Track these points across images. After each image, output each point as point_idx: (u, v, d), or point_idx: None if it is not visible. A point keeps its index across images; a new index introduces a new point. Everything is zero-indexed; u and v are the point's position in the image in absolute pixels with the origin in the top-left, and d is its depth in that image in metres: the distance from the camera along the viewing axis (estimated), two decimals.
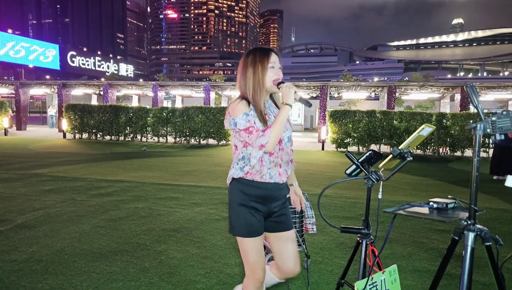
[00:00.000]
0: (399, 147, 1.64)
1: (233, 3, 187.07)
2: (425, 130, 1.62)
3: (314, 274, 2.76)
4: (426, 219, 1.92)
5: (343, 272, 1.89)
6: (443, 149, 12.95)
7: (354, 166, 1.72)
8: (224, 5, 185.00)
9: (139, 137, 15.64)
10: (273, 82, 1.71)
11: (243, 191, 1.70)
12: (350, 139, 13.24)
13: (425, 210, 1.59)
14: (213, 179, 6.66)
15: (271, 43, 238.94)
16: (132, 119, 15.25)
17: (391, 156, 1.67)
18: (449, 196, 1.67)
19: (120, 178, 6.50)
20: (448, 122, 12.47)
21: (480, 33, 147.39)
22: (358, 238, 1.77)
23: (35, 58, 62.35)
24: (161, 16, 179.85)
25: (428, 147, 12.76)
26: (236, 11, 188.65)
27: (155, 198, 5.07)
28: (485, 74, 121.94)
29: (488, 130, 1.37)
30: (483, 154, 12.00)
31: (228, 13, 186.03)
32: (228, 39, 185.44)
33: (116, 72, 77.04)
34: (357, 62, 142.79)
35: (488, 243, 1.39)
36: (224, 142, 14.57)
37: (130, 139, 15.60)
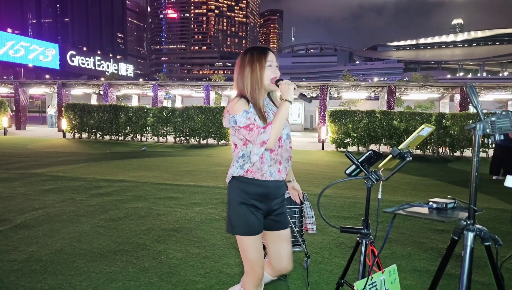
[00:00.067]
0: (399, 147, 1.65)
1: (233, 3, 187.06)
2: (425, 130, 1.62)
3: (313, 274, 2.76)
4: (426, 219, 1.92)
5: (343, 272, 1.89)
6: (442, 149, 12.96)
7: (354, 166, 1.72)
8: (224, 5, 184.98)
9: (139, 136, 15.64)
10: (271, 80, 1.72)
11: (243, 189, 1.70)
12: (350, 139, 13.24)
13: (424, 210, 1.59)
14: (213, 179, 6.66)
15: (271, 43, 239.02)
16: (132, 118, 15.24)
17: (390, 156, 1.67)
18: (448, 196, 1.67)
19: (119, 178, 6.49)
20: (447, 122, 12.48)
21: (480, 34, 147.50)
22: (358, 238, 1.78)
23: (35, 57, 62.31)
24: (161, 16, 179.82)
25: (428, 147, 12.77)
26: (236, 11, 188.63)
27: (155, 198, 5.07)
28: (484, 74, 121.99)
29: (488, 130, 1.38)
30: (482, 154, 12.01)
31: (228, 13, 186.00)
32: (228, 39, 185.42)
33: (116, 71, 77.01)
34: (357, 62, 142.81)
35: (487, 243, 1.40)
36: (224, 142, 14.57)
37: (130, 138, 15.59)
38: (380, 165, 1.75)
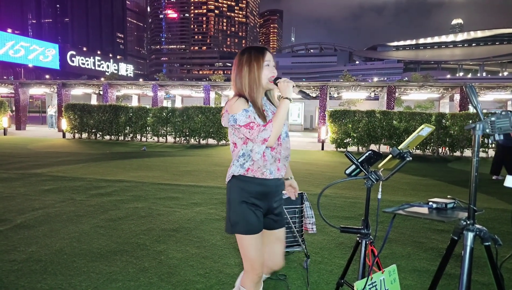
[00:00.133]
0: (399, 147, 1.65)
1: (233, 3, 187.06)
2: (425, 130, 1.62)
3: (313, 274, 2.76)
4: (426, 219, 1.93)
5: (343, 272, 1.89)
6: (442, 149, 12.96)
7: (353, 166, 1.72)
8: (224, 5, 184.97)
9: (138, 137, 15.63)
10: (269, 79, 1.73)
11: (244, 188, 1.70)
12: (350, 139, 13.25)
13: (424, 210, 1.59)
14: (213, 179, 6.66)
15: (271, 43, 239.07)
16: (132, 119, 15.24)
17: (390, 156, 1.67)
18: (448, 196, 1.67)
19: (119, 178, 6.49)
20: (447, 122, 12.49)
21: (480, 34, 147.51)
22: (358, 238, 1.78)
23: (35, 57, 62.30)
24: (161, 16, 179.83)
25: (428, 147, 12.77)
26: (236, 11, 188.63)
27: (155, 198, 5.07)
28: (484, 74, 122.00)
29: (487, 130, 1.38)
30: (482, 154, 12.01)
31: (228, 13, 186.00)
32: (228, 39, 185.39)
33: (115, 71, 77.01)
34: (357, 62, 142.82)
35: (487, 243, 1.40)
36: (223, 142, 14.57)
37: (129, 139, 15.59)
38: (380, 165, 1.76)
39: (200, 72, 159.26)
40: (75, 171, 7.21)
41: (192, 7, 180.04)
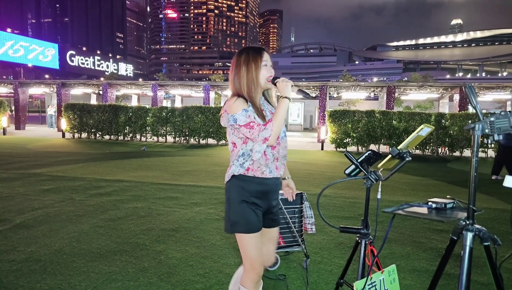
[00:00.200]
0: (398, 147, 1.65)
1: (232, 3, 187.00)
2: (424, 130, 1.62)
3: (313, 274, 2.76)
4: (425, 219, 1.93)
5: (342, 272, 1.89)
6: (442, 149, 12.97)
7: (353, 166, 1.72)
8: (224, 5, 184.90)
9: (138, 136, 15.63)
10: (267, 78, 1.74)
11: (244, 187, 1.71)
12: (350, 139, 13.25)
13: (424, 210, 1.59)
14: (213, 179, 6.66)
15: (270, 43, 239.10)
16: (132, 118, 15.23)
17: (390, 156, 1.67)
18: (447, 196, 1.67)
19: (119, 178, 6.49)
20: (447, 122, 12.49)
21: (479, 34, 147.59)
22: (357, 238, 1.78)
23: (34, 57, 62.21)
24: (161, 16, 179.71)
25: (427, 147, 12.78)
26: (235, 11, 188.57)
27: (154, 198, 5.07)
28: (483, 74, 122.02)
29: (487, 131, 1.38)
30: (481, 155, 12.02)
31: (227, 13, 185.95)
32: (228, 39, 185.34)
33: (115, 71, 76.92)
34: (357, 62, 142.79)
35: (486, 243, 1.40)
36: (223, 141, 14.56)
37: (129, 138, 15.58)
38: (380, 165, 1.76)
39: (200, 72, 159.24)
40: (75, 171, 7.21)
41: (192, 7, 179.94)
